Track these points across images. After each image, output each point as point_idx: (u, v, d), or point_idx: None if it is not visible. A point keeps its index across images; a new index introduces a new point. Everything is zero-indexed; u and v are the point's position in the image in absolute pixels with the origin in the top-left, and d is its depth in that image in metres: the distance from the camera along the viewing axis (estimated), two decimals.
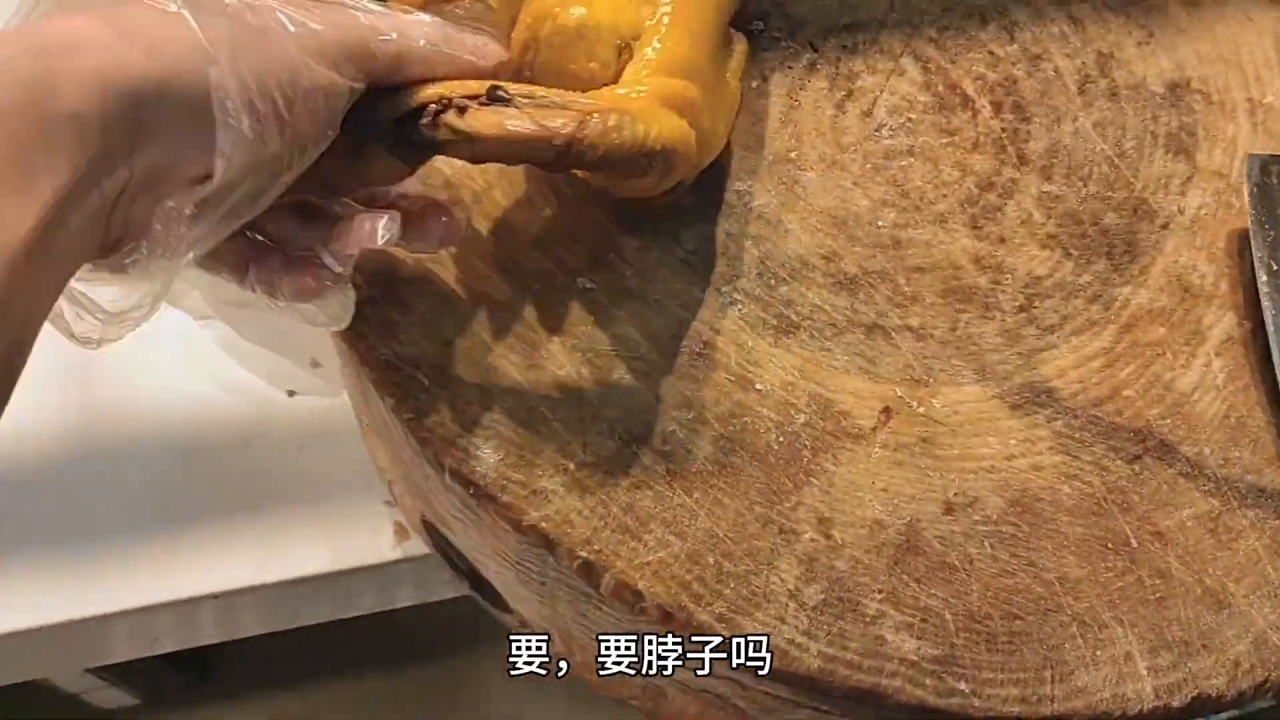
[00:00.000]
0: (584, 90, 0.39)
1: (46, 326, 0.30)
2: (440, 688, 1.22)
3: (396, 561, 0.60)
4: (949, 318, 0.46)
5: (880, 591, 0.39)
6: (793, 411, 0.43)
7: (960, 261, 0.48)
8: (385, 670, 1.23)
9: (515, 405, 0.41)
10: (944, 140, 0.50)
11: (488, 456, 0.40)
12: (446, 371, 0.41)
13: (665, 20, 0.41)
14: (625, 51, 0.41)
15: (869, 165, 0.50)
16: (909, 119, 0.51)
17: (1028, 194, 0.49)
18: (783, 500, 0.41)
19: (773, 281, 0.46)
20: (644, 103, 0.38)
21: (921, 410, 0.44)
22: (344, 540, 0.59)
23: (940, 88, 0.52)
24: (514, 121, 0.34)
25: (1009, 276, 0.47)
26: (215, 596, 0.57)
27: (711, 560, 0.39)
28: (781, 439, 0.42)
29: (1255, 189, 0.48)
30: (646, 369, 0.43)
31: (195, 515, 0.59)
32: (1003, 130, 0.51)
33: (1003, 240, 0.48)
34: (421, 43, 0.35)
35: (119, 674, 1.07)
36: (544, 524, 0.39)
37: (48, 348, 0.31)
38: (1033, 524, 0.42)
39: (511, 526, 0.40)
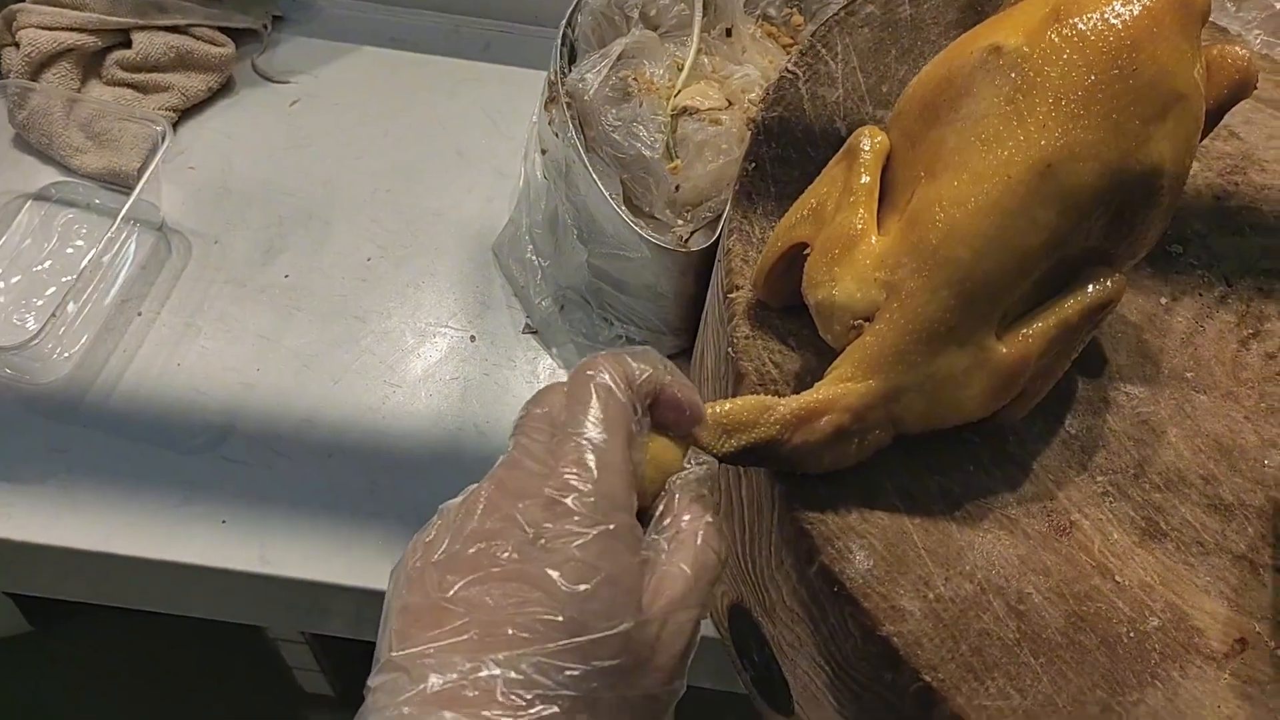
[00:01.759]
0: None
1: None
2: None
3: None
4: None
5: None
6: (1147, 613, 0.44)
7: None
8: None
9: (890, 525, 0.45)
10: None
11: (860, 562, 0.44)
12: (836, 477, 0.46)
13: (890, 309, 0.43)
14: (855, 330, 0.44)
15: (1264, 405, 0.51)
16: None
17: None
18: (1125, 693, 0.42)
19: (1147, 486, 0.48)
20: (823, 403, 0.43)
21: (1279, 652, 0.44)
22: None
23: None
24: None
25: None
26: None
27: None
28: (1132, 634, 0.44)
29: None
30: (1012, 528, 0.46)
31: None
32: None
33: None
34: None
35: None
36: (895, 639, 0.42)
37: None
38: None
39: (862, 633, 0.43)
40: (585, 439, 0.36)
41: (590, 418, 0.36)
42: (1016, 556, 0.45)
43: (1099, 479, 0.48)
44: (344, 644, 0.87)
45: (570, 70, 0.72)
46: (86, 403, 0.70)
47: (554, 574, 0.33)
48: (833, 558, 0.44)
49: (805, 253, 0.47)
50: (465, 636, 0.32)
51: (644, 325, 0.73)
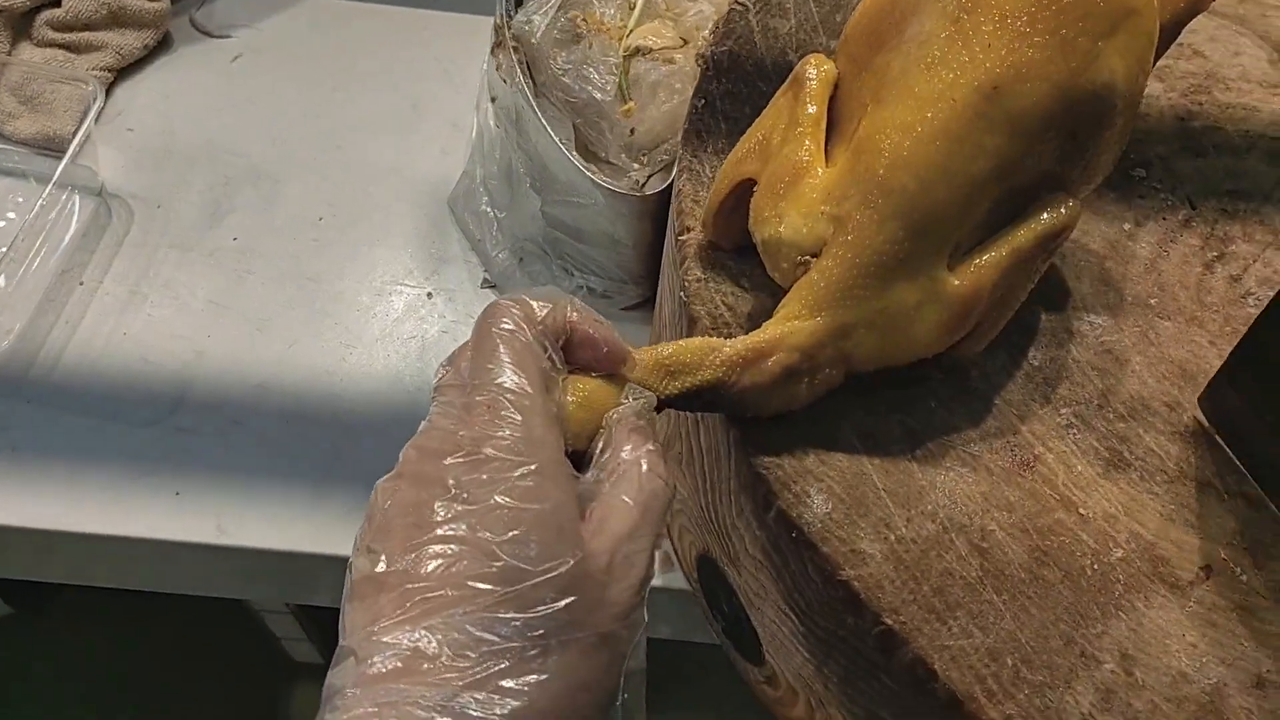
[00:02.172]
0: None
1: None
2: None
3: (655, 590, 0.64)
4: None
5: None
6: (1111, 544, 0.43)
7: None
8: None
9: (849, 466, 0.44)
10: None
11: (818, 506, 0.43)
12: (792, 419, 0.45)
13: (837, 243, 0.42)
14: (803, 266, 0.43)
15: (1229, 328, 0.50)
16: None
17: None
18: (1089, 625, 0.41)
19: (1111, 416, 0.47)
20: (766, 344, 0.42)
21: (1244, 578, 0.43)
22: None
23: None
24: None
25: None
26: None
27: (1010, 662, 0.40)
28: (1096, 567, 0.43)
29: None
30: (975, 464, 0.45)
31: None
32: None
33: None
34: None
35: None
36: (856, 583, 0.41)
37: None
38: None
39: (822, 578, 0.42)
40: (493, 385, 0.34)
41: (496, 365, 0.35)
42: (979, 493, 0.44)
43: (1063, 411, 0.47)
44: (329, 612, 0.86)
45: (517, 13, 0.70)
46: (30, 379, 0.68)
47: (480, 526, 0.32)
48: (790, 502, 0.43)
49: (754, 189, 0.45)
50: (405, 610, 0.31)
51: (604, 274, 0.71)
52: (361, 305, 0.74)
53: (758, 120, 0.47)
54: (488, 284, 0.76)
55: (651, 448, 0.38)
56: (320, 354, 0.72)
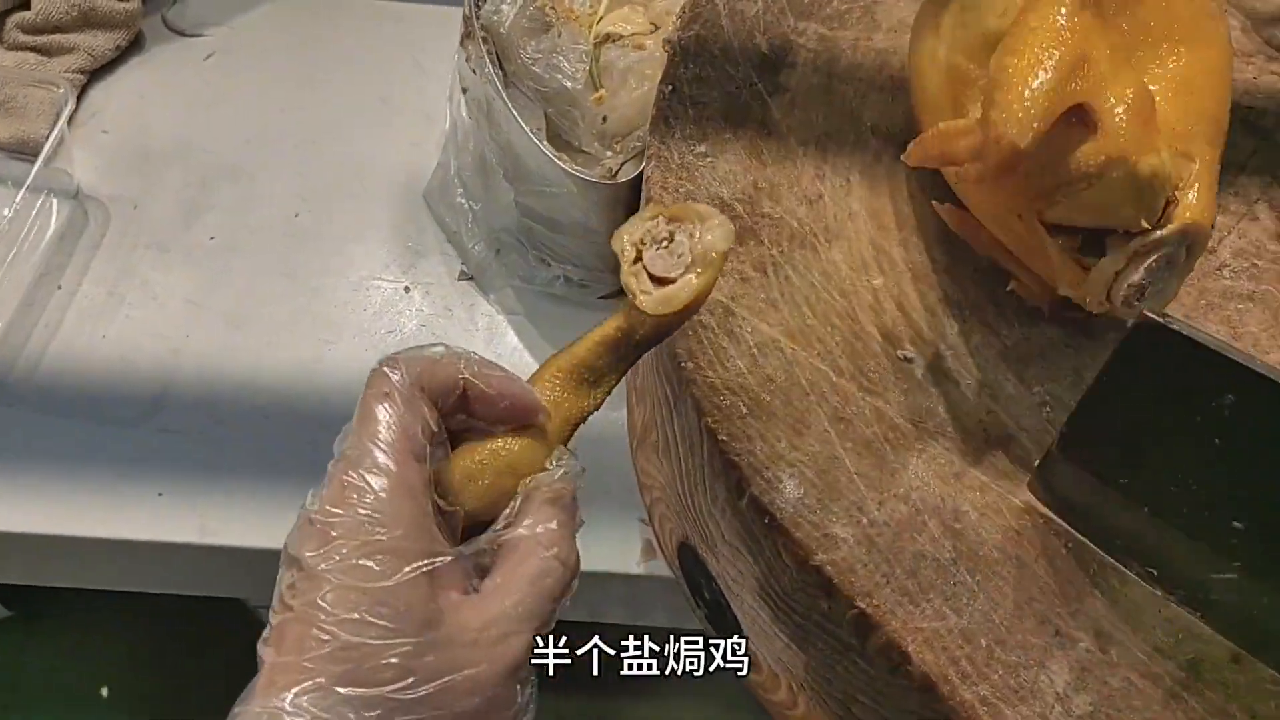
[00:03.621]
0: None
1: None
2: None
3: (640, 576, 0.64)
4: None
5: None
6: None
7: None
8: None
9: (821, 451, 0.44)
10: None
11: (790, 491, 0.43)
12: (765, 405, 0.44)
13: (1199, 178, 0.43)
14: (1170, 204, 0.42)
15: (1204, 301, 0.50)
16: (1255, 264, 0.50)
17: None
18: (1064, 604, 0.41)
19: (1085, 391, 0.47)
20: None
21: None
22: (595, 546, 0.63)
23: None
24: None
25: None
26: None
27: (984, 643, 0.40)
28: (1071, 544, 0.43)
29: None
30: (949, 447, 0.45)
31: None
32: None
33: None
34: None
35: None
36: (829, 567, 0.41)
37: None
38: None
39: (796, 564, 0.42)
40: (351, 458, 0.34)
41: (361, 436, 0.34)
42: (953, 474, 0.44)
43: (1035, 390, 0.47)
44: None
45: (485, 3, 0.69)
46: (10, 383, 0.68)
47: (322, 605, 0.32)
48: (762, 489, 0.43)
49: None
50: (270, 678, 0.32)
51: (581, 263, 0.71)
52: (339, 300, 0.74)
53: (1050, 32, 0.41)
54: (465, 276, 0.75)
55: (555, 525, 0.36)
56: (300, 350, 0.71)
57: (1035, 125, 0.39)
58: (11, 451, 0.65)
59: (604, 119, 0.68)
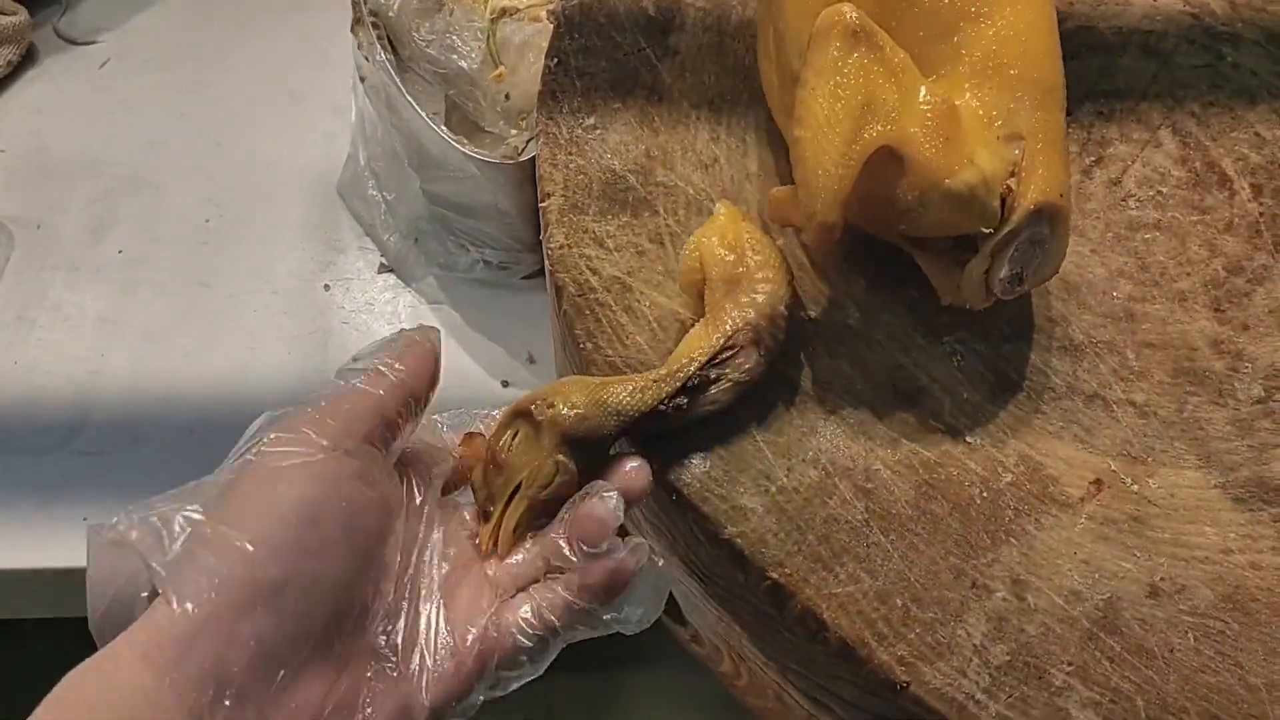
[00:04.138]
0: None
1: None
2: (592, 699, 1.24)
3: None
4: (1177, 399, 0.45)
5: (1070, 664, 0.39)
6: (1000, 469, 0.43)
7: (1196, 343, 0.46)
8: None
9: (726, 422, 0.43)
10: (1194, 218, 0.49)
11: (696, 465, 0.42)
12: None
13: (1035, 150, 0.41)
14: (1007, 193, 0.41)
15: (1110, 234, 0.49)
16: (1159, 192, 0.50)
17: None
18: (979, 555, 0.41)
19: (995, 337, 0.46)
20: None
21: (1135, 488, 0.43)
22: None
23: (1197, 164, 0.50)
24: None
25: (1249, 365, 0.45)
26: None
27: (899, 603, 0.39)
28: (985, 494, 0.42)
29: None
30: (856, 404, 0.44)
31: None
32: (1260, 214, 0.49)
33: (1246, 327, 0.46)
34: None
35: None
36: (739, 540, 0.40)
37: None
38: (1244, 623, 0.40)
39: (707, 538, 0.41)
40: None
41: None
42: (863, 434, 0.43)
43: (945, 339, 0.46)
44: None
45: None
46: None
47: None
48: (668, 465, 0.42)
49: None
50: None
51: (498, 246, 0.70)
52: (258, 305, 0.72)
53: (828, 90, 0.41)
54: (385, 268, 0.74)
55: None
56: (221, 360, 0.70)
57: (838, 196, 0.39)
58: None
59: (506, 96, 0.66)
